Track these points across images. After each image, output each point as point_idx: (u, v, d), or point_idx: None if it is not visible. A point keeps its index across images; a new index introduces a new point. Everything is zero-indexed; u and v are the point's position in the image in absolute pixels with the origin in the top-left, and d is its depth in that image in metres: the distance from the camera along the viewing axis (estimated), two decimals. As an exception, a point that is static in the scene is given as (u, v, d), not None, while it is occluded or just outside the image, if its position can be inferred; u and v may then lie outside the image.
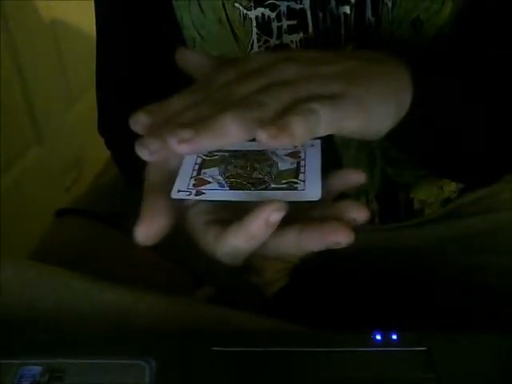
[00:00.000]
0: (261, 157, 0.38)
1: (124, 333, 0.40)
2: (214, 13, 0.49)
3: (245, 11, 0.48)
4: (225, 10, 0.49)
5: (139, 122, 0.35)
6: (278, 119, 0.32)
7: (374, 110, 0.36)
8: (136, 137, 0.53)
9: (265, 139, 0.31)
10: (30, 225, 1.04)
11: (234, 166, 0.37)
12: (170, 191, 0.35)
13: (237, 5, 0.48)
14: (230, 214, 0.35)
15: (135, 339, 0.39)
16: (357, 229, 0.32)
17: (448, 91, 0.40)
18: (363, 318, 0.52)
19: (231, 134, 0.32)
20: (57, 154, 1.41)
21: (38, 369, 0.36)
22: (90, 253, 0.57)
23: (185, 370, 0.36)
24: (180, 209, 0.36)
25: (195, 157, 0.38)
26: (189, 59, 0.41)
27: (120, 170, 0.61)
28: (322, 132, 0.34)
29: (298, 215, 0.35)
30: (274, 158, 0.38)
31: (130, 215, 0.61)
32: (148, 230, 0.34)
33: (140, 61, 0.55)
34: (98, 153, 0.69)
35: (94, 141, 0.63)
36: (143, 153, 0.34)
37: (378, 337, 0.38)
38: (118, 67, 0.57)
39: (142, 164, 0.36)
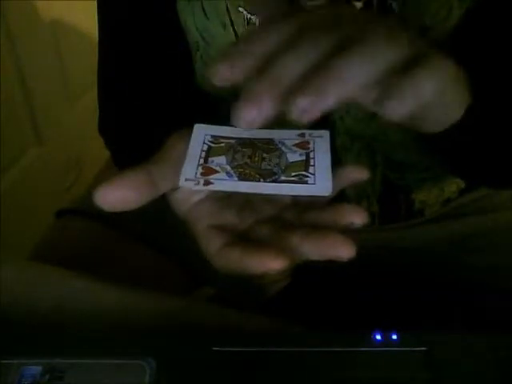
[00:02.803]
0: (269, 146, 0.38)
1: (124, 333, 0.40)
2: (218, 17, 0.49)
3: (249, 15, 0.48)
4: (228, 14, 0.48)
5: (218, 73, 0.30)
6: (408, 76, 0.30)
7: (458, 92, 0.35)
8: (136, 136, 0.53)
9: (394, 110, 0.29)
10: (30, 225, 1.04)
11: (242, 155, 0.37)
12: (158, 171, 0.35)
13: (241, 9, 0.48)
14: (235, 217, 0.35)
15: (135, 339, 0.39)
16: (356, 229, 0.32)
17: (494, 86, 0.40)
18: (363, 318, 0.52)
19: (359, 81, 0.28)
20: (57, 154, 1.41)
21: (37, 369, 0.36)
22: (90, 253, 0.57)
23: (185, 369, 0.36)
24: (168, 195, 0.36)
25: (201, 143, 0.37)
26: None
27: (119, 170, 0.61)
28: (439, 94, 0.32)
29: (297, 217, 0.34)
30: (283, 148, 0.38)
31: (130, 215, 0.61)
32: (107, 193, 0.33)
33: (143, 63, 0.55)
34: (98, 153, 0.69)
35: (94, 141, 0.63)
36: (239, 123, 0.29)
37: (378, 337, 0.38)
38: (120, 68, 0.57)
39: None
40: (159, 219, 0.55)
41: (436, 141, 0.38)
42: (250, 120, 0.28)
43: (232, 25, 0.49)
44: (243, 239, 0.33)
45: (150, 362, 0.36)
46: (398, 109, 0.29)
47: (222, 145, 0.37)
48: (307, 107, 0.28)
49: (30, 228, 0.98)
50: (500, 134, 0.41)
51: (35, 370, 0.36)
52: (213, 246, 0.33)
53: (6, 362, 0.36)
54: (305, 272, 0.44)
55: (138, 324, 0.42)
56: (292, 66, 0.29)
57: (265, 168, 0.36)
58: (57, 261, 0.50)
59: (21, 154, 1.31)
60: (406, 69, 0.30)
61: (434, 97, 0.31)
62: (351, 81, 0.28)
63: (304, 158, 0.37)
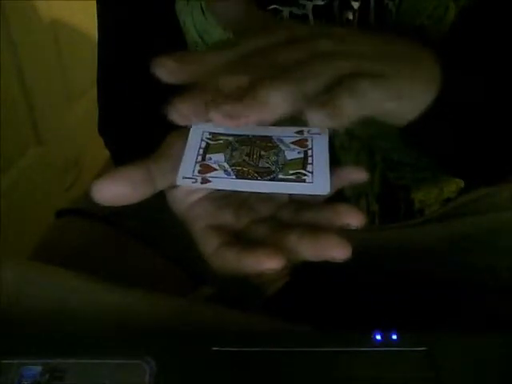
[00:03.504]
0: (267, 143, 0.38)
1: (124, 333, 0.40)
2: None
3: None
4: None
5: (165, 66, 0.34)
6: (329, 98, 0.31)
7: (412, 91, 0.36)
8: (136, 136, 0.53)
9: (318, 120, 0.31)
10: (30, 225, 1.04)
11: (240, 153, 0.36)
12: (156, 168, 0.35)
13: None
14: (232, 217, 0.35)
15: (135, 339, 0.39)
16: (357, 229, 0.32)
17: (473, 79, 0.40)
18: (363, 318, 0.52)
19: (277, 108, 0.31)
20: (57, 154, 1.41)
21: (38, 369, 0.36)
22: (90, 253, 0.57)
23: (185, 370, 0.36)
24: (167, 193, 0.36)
25: (199, 140, 0.37)
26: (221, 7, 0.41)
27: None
28: (369, 112, 0.33)
29: (294, 216, 0.34)
30: (281, 146, 0.37)
31: (130, 215, 0.61)
32: (104, 187, 0.33)
33: (142, 63, 0.55)
34: (98, 153, 0.69)
35: (94, 141, 0.63)
36: (175, 116, 0.33)
37: (378, 337, 0.38)
38: (119, 68, 0.57)
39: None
40: (159, 219, 0.55)
41: (411, 132, 0.38)
42: (183, 113, 0.32)
43: None
44: (240, 239, 0.33)
45: (149, 362, 0.36)
46: (318, 122, 0.31)
47: (220, 142, 0.37)
48: (228, 114, 0.31)
49: (30, 228, 0.98)
50: (483, 127, 0.42)
51: (35, 369, 0.36)
52: (210, 246, 0.33)
53: (6, 362, 0.36)
54: (304, 272, 0.44)
55: (137, 324, 0.42)
56: (227, 81, 0.33)
57: (262, 166, 0.36)
58: (57, 261, 0.50)
59: (21, 154, 1.31)
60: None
61: (365, 112, 0.33)
62: (268, 108, 0.31)
63: (302, 155, 0.37)
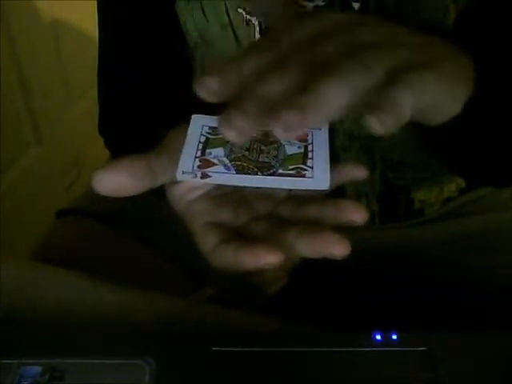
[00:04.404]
0: (267, 138, 0.37)
1: (124, 333, 0.40)
2: (217, 18, 0.49)
3: (248, 16, 0.48)
4: (228, 14, 0.48)
5: (206, 86, 0.31)
6: (385, 97, 0.29)
7: (454, 83, 0.34)
8: (136, 136, 0.53)
9: (380, 124, 0.29)
10: (30, 225, 1.04)
11: (240, 148, 0.36)
12: (158, 162, 0.34)
13: (240, 10, 0.48)
14: (231, 214, 0.35)
15: (135, 339, 0.39)
16: (356, 228, 0.32)
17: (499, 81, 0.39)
18: (363, 318, 0.52)
19: (339, 106, 0.29)
20: (57, 154, 1.41)
21: (38, 369, 0.36)
22: (89, 253, 0.56)
23: (185, 370, 0.36)
24: (167, 187, 0.36)
25: (199, 134, 0.37)
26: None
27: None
28: (424, 105, 0.31)
29: (293, 212, 0.34)
30: (281, 141, 0.37)
31: (129, 215, 0.61)
32: (105, 178, 0.33)
33: (142, 63, 0.55)
34: (98, 153, 0.69)
35: (94, 141, 0.63)
36: (230, 134, 0.29)
37: (378, 337, 0.38)
38: (119, 68, 0.57)
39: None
40: (159, 219, 0.55)
41: (437, 133, 0.38)
42: (241, 128, 0.29)
43: (231, 26, 0.49)
44: (239, 236, 0.33)
45: (149, 362, 0.36)
46: (379, 127, 0.29)
47: (220, 136, 0.37)
48: (291, 125, 0.28)
49: (30, 228, 0.98)
50: (501, 128, 0.41)
51: (35, 370, 0.36)
52: (209, 243, 0.33)
53: (6, 362, 0.36)
54: (305, 271, 0.44)
55: (138, 324, 0.42)
56: (276, 84, 0.30)
57: (263, 161, 0.36)
58: (57, 261, 0.50)
59: (21, 154, 1.31)
60: (389, 82, 0.30)
61: (420, 105, 0.31)
62: (329, 104, 0.29)
63: (302, 150, 0.36)
